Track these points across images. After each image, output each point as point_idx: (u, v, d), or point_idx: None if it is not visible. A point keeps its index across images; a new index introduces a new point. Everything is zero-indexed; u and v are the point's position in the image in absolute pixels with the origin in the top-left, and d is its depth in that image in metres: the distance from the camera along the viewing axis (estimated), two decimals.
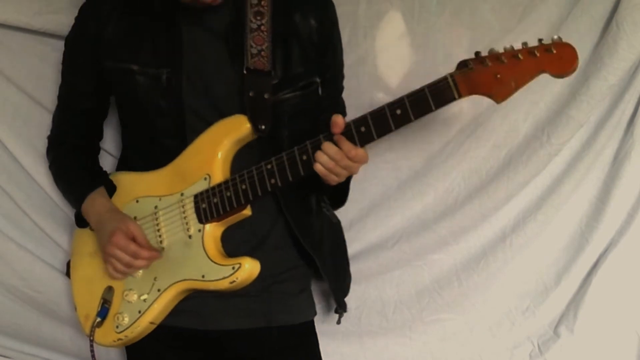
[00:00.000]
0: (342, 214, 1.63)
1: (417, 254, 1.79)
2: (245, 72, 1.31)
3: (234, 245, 1.34)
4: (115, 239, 1.31)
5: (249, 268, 1.27)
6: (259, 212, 1.35)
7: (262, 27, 1.33)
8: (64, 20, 1.52)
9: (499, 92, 1.11)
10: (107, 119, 1.66)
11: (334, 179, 1.24)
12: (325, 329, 1.56)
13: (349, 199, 1.73)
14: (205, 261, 1.29)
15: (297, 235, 1.38)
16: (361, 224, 1.79)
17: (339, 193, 1.42)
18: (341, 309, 1.52)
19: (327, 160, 1.20)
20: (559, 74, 1.10)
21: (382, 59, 1.67)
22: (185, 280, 1.31)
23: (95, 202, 1.41)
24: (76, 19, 1.44)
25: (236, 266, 1.26)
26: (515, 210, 1.74)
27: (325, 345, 1.51)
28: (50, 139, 1.56)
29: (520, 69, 1.09)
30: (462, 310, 1.79)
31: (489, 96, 1.12)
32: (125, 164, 1.49)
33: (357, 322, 1.81)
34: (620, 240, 1.69)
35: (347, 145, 1.19)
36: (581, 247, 1.72)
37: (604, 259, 1.71)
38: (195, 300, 1.35)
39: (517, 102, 1.69)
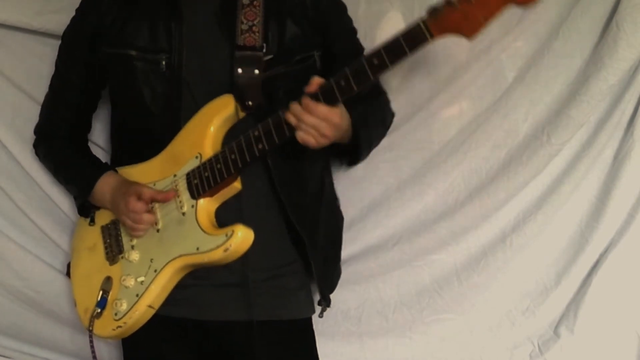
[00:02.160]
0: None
1: (417, 254, 1.78)
2: (235, 49, 1.32)
3: None
4: (125, 197, 1.34)
5: (242, 235, 1.26)
6: (253, 195, 1.36)
7: (255, 2, 1.34)
8: (64, 20, 1.52)
9: (469, 28, 1.13)
10: (101, 115, 1.67)
11: (310, 140, 1.23)
12: (326, 329, 1.56)
13: (349, 198, 1.74)
14: (199, 234, 1.30)
15: (288, 213, 1.37)
16: (361, 224, 1.79)
17: (350, 148, 1.40)
18: (325, 302, 1.50)
19: (293, 120, 1.21)
20: (525, 3, 1.12)
21: None
22: (180, 256, 1.32)
23: (110, 179, 1.42)
24: (77, 11, 1.46)
25: (229, 233, 1.26)
26: (515, 210, 1.74)
27: (325, 345, 1.51)
28: (40, 131, 1.56)
29: (488, 4, 1.11)
30: (462, 310, 1.79)
31: (460, 34, 1.14)
32: (120, 159, 1.49)
33: (357, 322, 1.82)
34: (620, 240, 1.69)
35: (305, 100, 1.20)
36: (581, 247, 1.72)
37: (604, 259, 1.71)
38: (192, 290, 1.36)
39: (517, 102, 1.70)
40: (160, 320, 1.38)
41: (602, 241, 1.71)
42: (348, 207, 1.73)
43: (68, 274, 1.54)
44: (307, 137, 1.22)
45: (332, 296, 1.55)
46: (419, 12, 1.68)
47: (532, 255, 1.75)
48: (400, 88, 1.73)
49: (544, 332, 1.78)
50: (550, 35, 1.66)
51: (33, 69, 1.72)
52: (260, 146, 1.26)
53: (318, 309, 1.53)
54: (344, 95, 1.20)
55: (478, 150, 1.73)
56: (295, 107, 1.21)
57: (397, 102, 1.65)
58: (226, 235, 1.26)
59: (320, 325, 1.54)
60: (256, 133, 1.26)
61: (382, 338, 1.82)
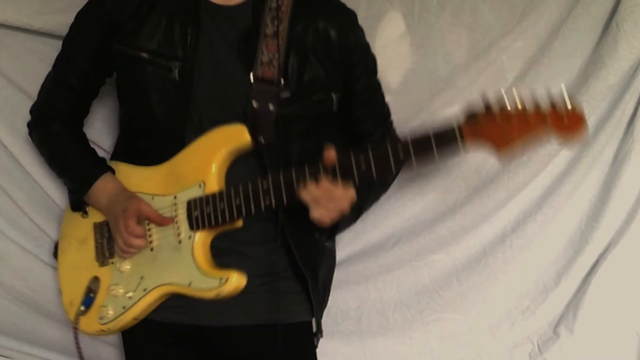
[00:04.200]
0: None
1: (417, 254, 1.78)
2: (252, 80, 1.28)
3: (233, 243, 1.34)
4: (125, 216, 1.31)
5: (235, 282, 1.26)
6: (259, 220, 1.33)
7: (278, 35, 1.29)
8: (64, 20, 1.51)
9: (505, 151, 1.08)
10: (102, 115, 1.67)
11: (325, 222, 1.20)
12: (326, 329, 1.55)
13: None
14: (193, 269, 1.29)
15: (293, 250, 1.36)
16: (361, 224, 1.77)
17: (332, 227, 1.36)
18: (320, 333, 1.49)
19: (309, 199, 1.18)
20: (565, 142, 1.08)
21: (382, 59, 1.66)
22: (171, 284, 1.32)
23: (108, 184, 1.39)
24: None
25: (223, 279, 1.26)
26: (515, 210, 1.74)
27: (325, 345, 1.51)
28: (36, 111, 1.51)
29: (528, 131, 1.06)
30: (462, 310, 1.79)
31: (495, 153, 1.09)
32: (120, 153, 1.48)
33: (357, 322, 1.82)
34: (620, 240, 1.69)
35: (324, 183, 1.16)
36: (581, 247, 1.72)
37: (603, 259, 1.71)
38: (192, 297, 1.35)
39: None
40: (159, 326, 1.37)
41: (602, 241, 1.71)
42: None
43: (55, 255, 1.54)
44: (324, 218, 1.19)
45: (332, 295, 1.54)
46: (419, 12, 1.70)
47: (532, 255, 1.75)
48: (400, 88, 1.73)
49: (543, 331, 1.78)
50: (550, 35, 1.66)
51: (33, 69, 1.71)
52: (267, 201, 1.21)
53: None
54: (362, 180, 1.16)
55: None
56: (313, 188, 1.17)
57: (397, 102, 1.66)
58: (220, 280, 1.26)
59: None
60: (265, 186, 1.21)
61: (382, 338, 1.82)
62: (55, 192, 1.77)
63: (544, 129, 1.06)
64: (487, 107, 1.08)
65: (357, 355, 1.82)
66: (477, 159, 1.73)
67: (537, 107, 1.06)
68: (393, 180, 1.54)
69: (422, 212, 1.78)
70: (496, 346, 1.80)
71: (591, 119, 1.67)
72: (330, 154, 1.17)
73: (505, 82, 1.71)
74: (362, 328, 1.82)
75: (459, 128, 1.09)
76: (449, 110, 1.74)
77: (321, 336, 1.49)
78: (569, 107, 1.06)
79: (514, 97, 1.08)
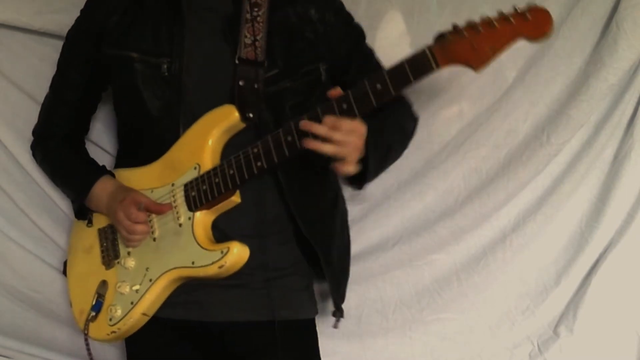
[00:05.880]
0: None
1: (417, 254, 1.78)
2: (237, 61, 1.33)
3: (237, 235, 1.34)
4: (123, 205, 1.34)
5: (237, 252, 1.27)
6: (261, 205, 1.36)
7: (258, 19, 1.35)
8: (64, 20, 1.52)
9: (477, 60, 1.12)
10: (101, 116, 1.67)
11: (343, 155, 1.20)
12: (326, 328, 1.56)
13: (349, 198, 1.73)
14: (194, 248, 1.30)
15: (301, 229, 1.37)
16: (361, 224, 1.79)
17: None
18: (339, 313, 1.50)
19: (320, 138, 1.19)
20: (535, 38, 1.11)
21: (382, 59, 1.66)
22: (175, 268, 1.32)
23: (107, 184, 1.42)
24: (82, 11, 1.46)
25: (224, 250, 1.27)
26: (515, 210, 1.74)
27: (325, 345, 1.51)
28: (37, 132, 1.56)
29: (497, 36, 1.11)
30: (462, 310, 1.79)
31: (467, 65, 1.13)
32: (121, 161, 1.50)
33: (357, 322, 1.81)
34: (620, 240, 1.69)
35: (329, 119, 1.18)
36: (581, 247, 1.72)
37: (603, 259, 1.71)
38: (197, 293, 1.36)
39: (517, 102, 1.70)
40: (164, 323, 1.38)
41: (602, 241, 1.71)
42: (348, 207, 1.74)
43: (64, 272, 1.55)
44: (339, 152, 1.19)
45: None
46: (418, 12, 1.70)
47: (532, 255, 1.75)
48: None
49: (543, 331, 1.78)
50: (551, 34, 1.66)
51: (33, 69, 1.72)
52: (259, 164, 1.25)
53: (321, 310, 1.54)
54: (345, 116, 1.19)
55: (478, 150, 1.73)
56: (319, 127, 1.18)
57: None
58: (222, 252, 1.27)
59: (320, 324, 1.54)
60: (255, 150, 1.25)
61: (382, 338, 1.82)
62: (55, 193, 1.76)
63: (511, 31, 1.10)
64: (455, 27, 1.14)
65: (357, 355, 1.82)
66: (477, 159, 1.73)
67: (500, 14, 1.11)
68: (413, 129, 1.55)
69: (422, 212, 1.78)
70: (496, 346, 1.80)
71: (591, 119, 1.67)
72: (336, 90, 1.19)
73: (505, 81, 1.71)
74: (362, 328, 1.82)
75: (430, 50, 1.14)
76: (449, 110, 1.75)
77: (341, 316, 1.50)
78: (530, 2, 1.10)
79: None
